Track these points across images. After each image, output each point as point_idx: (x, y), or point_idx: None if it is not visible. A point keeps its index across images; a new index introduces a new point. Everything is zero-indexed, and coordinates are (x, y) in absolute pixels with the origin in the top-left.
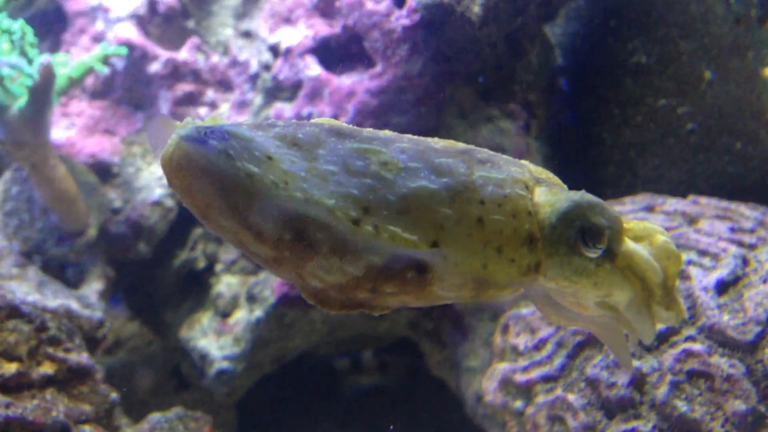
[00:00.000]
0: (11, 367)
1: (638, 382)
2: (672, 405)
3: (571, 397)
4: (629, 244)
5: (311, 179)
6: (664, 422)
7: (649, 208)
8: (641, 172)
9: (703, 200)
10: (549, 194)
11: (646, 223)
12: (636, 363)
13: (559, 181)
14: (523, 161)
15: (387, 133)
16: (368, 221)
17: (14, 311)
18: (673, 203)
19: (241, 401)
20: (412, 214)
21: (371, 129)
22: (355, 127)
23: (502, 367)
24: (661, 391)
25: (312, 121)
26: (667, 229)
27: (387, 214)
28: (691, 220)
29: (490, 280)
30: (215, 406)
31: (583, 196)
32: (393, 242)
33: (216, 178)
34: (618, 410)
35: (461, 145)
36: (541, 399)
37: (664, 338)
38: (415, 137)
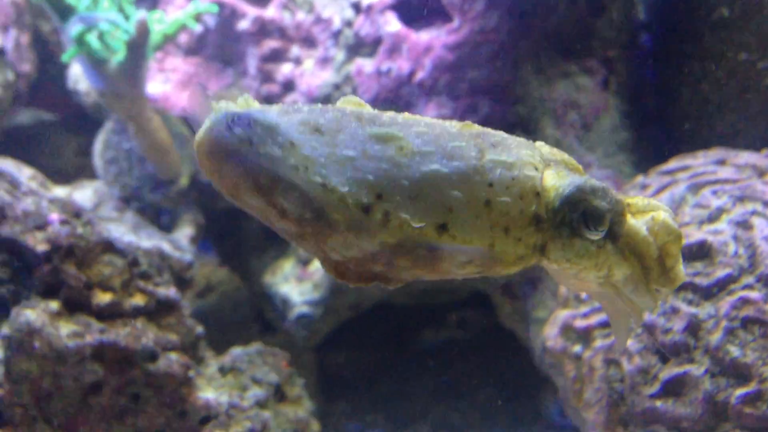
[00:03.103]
0: (105, 297)
1: (693, 327)
2: (725, 350)
3: (628, 342)
4: (629, 221)
5: (330, 165)
6: (716, 366)
7: (721, 162)
8: (718, 127)
9: None
10: (555, 178)
11: (650, 200)
12: (693, 309)
13: (575, 164)
14: (537, 143)
15: (406, 116)
16: (380, 207)
17: (109, 246)
18: (744, 157)
19: (322, 347)
20: (423, 197)
21: (392, 113)
22: (376, 111)
23: (564, 313)
24: (716, 337)
25: (338, 104)
26: (735, 180)
27: (399, 199)
28: (761, 173)
29: (498, 257)
30: (296, 349)
31: (586, 180)
32: (401, 230)
33: (240, 162)
34: (672, 354)
35: (477, 129)
36: (598, 343)
37: (722, 286)
38: (433, 120)
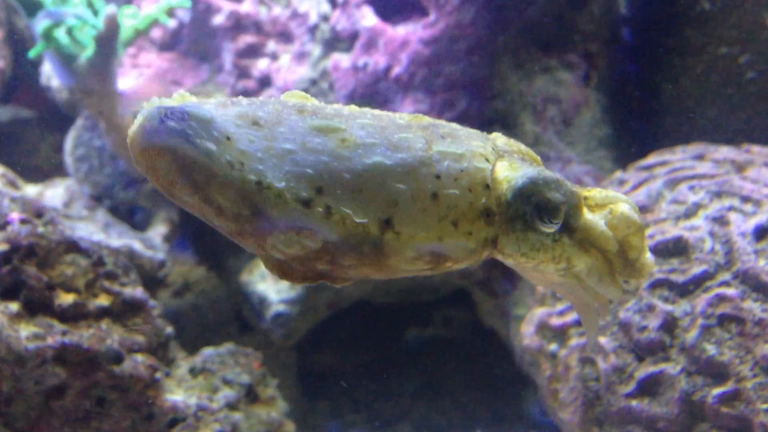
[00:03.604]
0: (68, 298)
1: (669, 325)
2: (701, 348)
3: (603, 340)
4: (586, 215)
5: (267, 159)
6: (693, 365)
7: (699, 157)
8: (699, 122)
9: (756, 149)
10: (508, 169)
11: (608, 191)
12: (668, 307)
13: (533, 155)
14: (493, 134)
15: (352, 109)
16: (320, 202)
17: (73, 246)
18: (723, 152)
19: (302, 346)
20: (366, 191)
21: (337, 105)
22: (319, 104)
23: (540, 311)
24: (691, 335)
25: (281, 97)
26: (713, 176)
27: (341, 193)
28: (740, 168)
29: (447, 253)
30: (275, 349)
31: (540, 172)
32: (343, 225)
33: (174, 158)
34: (648, 353)
35: (426, 120)
36: (574, 342)
37: (698, 283)
38: (381, 112)
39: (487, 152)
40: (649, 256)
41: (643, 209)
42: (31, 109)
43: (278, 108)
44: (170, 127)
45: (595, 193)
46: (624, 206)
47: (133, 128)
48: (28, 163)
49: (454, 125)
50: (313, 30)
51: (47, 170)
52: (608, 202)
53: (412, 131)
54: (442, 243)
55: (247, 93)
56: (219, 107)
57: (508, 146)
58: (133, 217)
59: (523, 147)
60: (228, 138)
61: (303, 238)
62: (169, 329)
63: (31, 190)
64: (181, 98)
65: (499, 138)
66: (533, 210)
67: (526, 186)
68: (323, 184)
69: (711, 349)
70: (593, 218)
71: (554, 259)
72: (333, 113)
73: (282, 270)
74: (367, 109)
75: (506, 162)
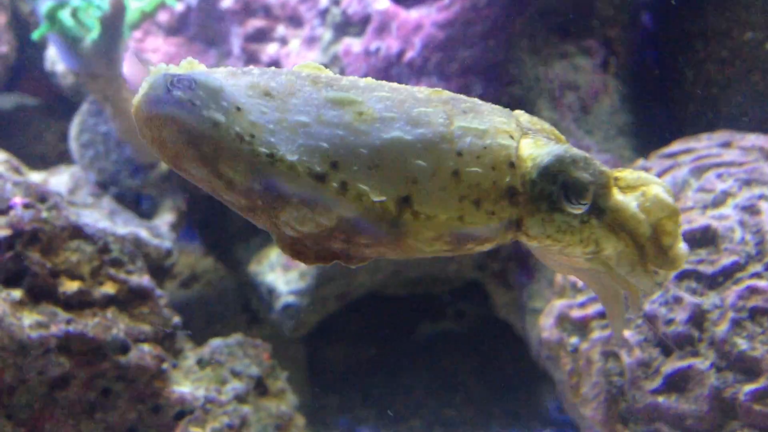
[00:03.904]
0: (73, 285)
1: (698, 319)
2: (732, 342)
3: (628, 333)
4: (617, 196)
5: (280, 131)
6: (723, 360)
7: (726, 144)
8: (723, 109)
9: None
10: (533, 147)
11: (641, 173)
12: (697, 299)
13: (558, 134)
14: (516, 111)
15: (368, 81)
16: (336, 177)
17: (77, 232)
18: (751, 139)
19: (312, 339)
20: (384, 167)
21: (353, 77)
22: (335, 75)
23: (559, 303)
24: (721, 329)
25: (293, 68)
26: (741, 163)
27: (357, 169)
28: None
29: (469, 233)
30: (284, 341)
31: (567, 149)
32: (360, 202)
33: (181, 128)
34: (675, 347)
35: (446, 94)
36: (596, 335)
37: (728, 274)
38: (399, 86)
39: (512, 129)
40: (682, 245)
41: None
42: (36, 97)
43: (291, 78)
44: (177, 96)
45: (626, 174)
46: (658, 188)
47: (137, 96)
48: (33, 150)
49: (476, 100)
50: (323, 14)
51: (52, 158)
52: (641, 183)
53: (432, 105)
54: (462, 223)
55: None
56: (229, 76)
57: (532, 124)
58: (139, 204)
59: (547, 125)
60: (238, 108)
61: (317, 215)
62: (177, 319)
63: (35, 177)
64: (189, 66)
65: (522, 115)
66: (560, 189)
67: (552, 164)
68: (339, 159)
69: (742, 343)
70: (624, 199)
71: (582, 242)
72: (349, 85)
73: (295, 249)
74: (384, 82)
75: (531, 139)
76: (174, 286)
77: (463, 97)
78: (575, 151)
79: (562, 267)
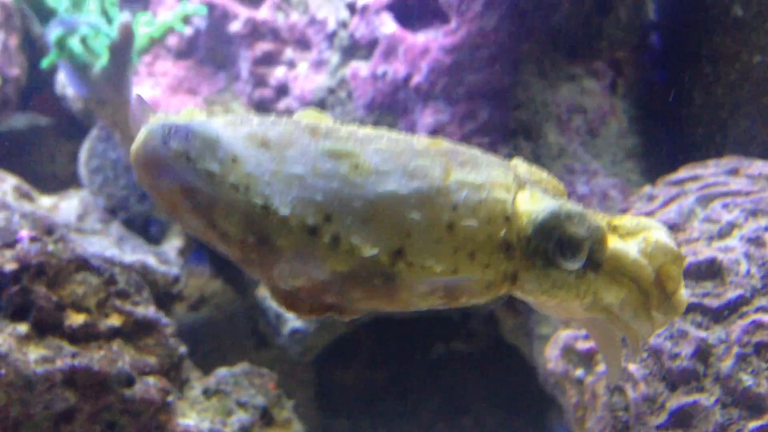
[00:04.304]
0: (79, 318)
1: (703, 353)
2: (737, 378)
3: (632, 367)
4: (616, 244)
5: (275, 183)
6: (728, 396)
7: (733, 171)
8: (732, 133)
9: None
10: (529, 202)
11: (641, 219)
12: (702, 334)
13: (557, 184)
14: (514, 161)
15: (367, 131)
16: (328, 230)
17: (83, 264)
18: (759, 166)
19: (321, 362)
20: (378, 220)
21: (352, 127)
22: (333, 125)
23: (565, 334)
24: (727, 364)
25: (296, 115)
26: (748, 193)
27: (351, 222)
28: None
29: (463, 286)
30: (292, 365)
31: (562, 205)
32: (352, 256)
33: (176, 179)
34: (680, 382)
35: (445, 146)
36: (601, 368)
37: (733, 308)
38: (398, 135)
39: (509, 182)
40: (684, 290)
41: (674, 227)
42: (47, 116)
43: (290, 129)
44: (173, 147)
45: (625, 220)
46: (659, 233)
47: (135, 145)
48: (44, 170)
49: (476, 151)
50: (331, 37)
51: (64, 178)
52: (641, 229)
53: (430, 157)
54: (457, 275)
55: (264, 101)
56: (228, 126)
57: (531, 174)
58: (148, 229)
59: (545, 175)
60: (234, 159)
61: (310, 269)
62: (183, 349)
63: (45, 201)
64: (189, 114)
65: (520, 165)
66: (555, 246)
67: (547, 220)
68: (332, 212)
69: (747, 379)
70: (624, 247)
71: (578, 296)
72: (347, 135)
73: (289, 302)
74: (383, 131)
75: (528, 193)
76: (183, 309)
77: (462, 148)
78: (570, 207)
79: (560, 314)
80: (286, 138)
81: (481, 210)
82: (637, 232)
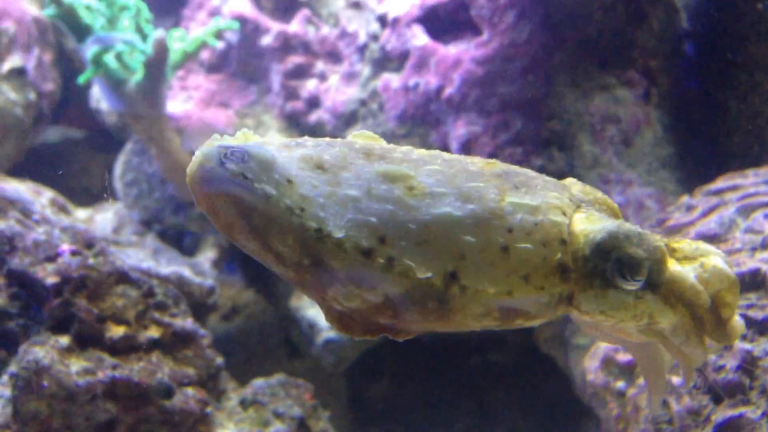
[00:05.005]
0: (119, 331)
1: (749, 365)
2: None
3: (676, 380)
4: (674, 267)
5: (330, 206)
6: None
7: None
8: None
9: None
10: (585, 222)
11: (699, 243)
12: (747, 346)
13: (610, 203)
14: (567, 181)
15: (421, 153)
16: (383, 252)
17: (123, 277)
18: None
19: (354, 372)
20: (432, 242)
21: (406, 148)
22: (389, 146)
23: (605, 345)
24: None
25: (349, 137)
26: None
27: (405, 245)
28: None
29: (517, 308)
30: (325, 375)
31: (620, 225)
32: (406, 278)
33: (233, 200)
34: (725, 395)
35: (499, 167)
36: (643, 380)
37: None
38: (453, 156)
39: (564, 204)
40: (739, 318)
41: (715, 238)
42: (81, 129)
43: (344, 151)
44: (230, 169)
45: (684, 245)
46: (717, 259)
47: (191, 167)
48: (78, 183)
49: (530, 172)
50: (362, 49)
51: (97, 190)
52: (699, 254)
53: (484, 179)
54: (511, 298)
55: (295, 114)
56: (282, 148)
57: (584, 195)
58: (182, 241)
59: (599, 194)
60: (289, 181)
61: (364, 291)
62: (219, 360)
63: (81, 214)
64: (243, 137)
65: (574, 185)
66: (613, 266)
67: (605, 241)
68: (386, 234)
69: None
70: (682, 270)
71: (635, 317)
72: (401, 158)
73: (343, 323)
74: (437, 153)
75: (584, 214)
76: (216, 318)
77: (516, 169)
78: (628, 227)
79: (609, 338)
80: (340, 160)
81: (536, 233)
82: (695, 257)
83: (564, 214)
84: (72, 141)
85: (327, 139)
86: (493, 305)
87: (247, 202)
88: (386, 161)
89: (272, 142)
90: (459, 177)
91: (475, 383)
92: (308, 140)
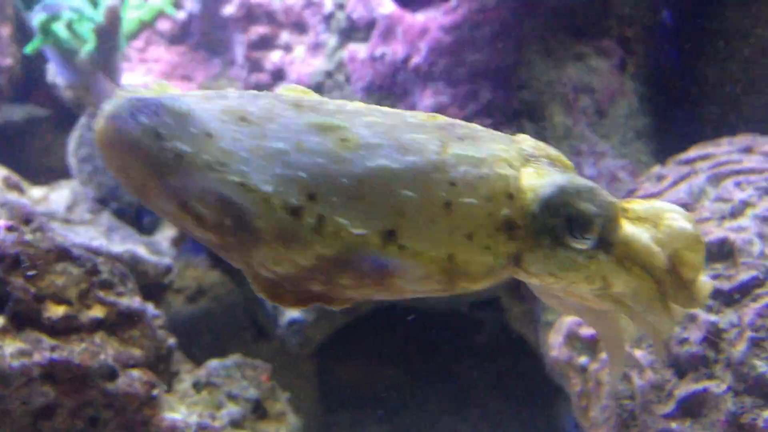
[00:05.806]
0: (59, 310)
1: (713, 338)
2: (750, 364)
3: (638, 353)
4: (627, 228)
5: (254, 160)
6: (740, 383)
7: (747, 149)
8: (746, 110)
9: None
10: (534, 177)
11: (653, 202)
12: (712, 317)
13: (565, 160)
14: (520, 136)
15: (357, 105)
16: (312, 210)
17: (64, 254)
18: None
19: (322, 354)
20: (367, 198)
21: (341, 101)
22: (321, 98)
23: (569, 319)
24: (739, 349)
25: (278, 90)
26: (762, 171)
27: (337, 201)
28: None
29: (461, 270)
30: (293, 357)
31: (571, 179)
32: (338, 238)
33: (144, 157)
34: (689, 368)
35: (442, 119)
36: (605, 355)
37: (746, 290)
38: (391, 110)
39: (511, 157)
40: (705, 278)
41: (684, 208)
42: (44, 108)
43: (272, 102)
44: (141, 123)
45: (636, 204)
46: (673, 216)
47: (98, 121)
48: (42, 163)
49: (475, 126)
50: (328, 19)
51: (61, 170)
52: (653, 213)
53: (425, 131)
54: (454, 259)
55: (259, 86)
56: (203, 100)
57: (537, 150)
58: (140, 220)
59: (552, 151)
60: (209, 135)
61: (293, 253)
62: (171, 341)
63: (36, 192)
64: (160, 88)
65: (526, 140)
66: (563, 223)
67: (554, 196)
68: (317, 190)
69: (761, 365)
70: (636, 231)
71: (587, 278)
72: (335, 109)
73: (271, 291)
74: (375, 107)
75: (533, 168)
76: (180, 300)
77: (460, 122)
78: (580, 181)
79: (565, 306)
80: (267, 112)
81: (481, 186)
82: (649, 218)
83: (511, 166)
84: (35, 119)
85: (253, 91)
86: (434, 267)
87: (159, 160)
88: (318, 112)
89: (191, 94)
90: (398, 128)
91: (450, 365)
92: (232, 92)
